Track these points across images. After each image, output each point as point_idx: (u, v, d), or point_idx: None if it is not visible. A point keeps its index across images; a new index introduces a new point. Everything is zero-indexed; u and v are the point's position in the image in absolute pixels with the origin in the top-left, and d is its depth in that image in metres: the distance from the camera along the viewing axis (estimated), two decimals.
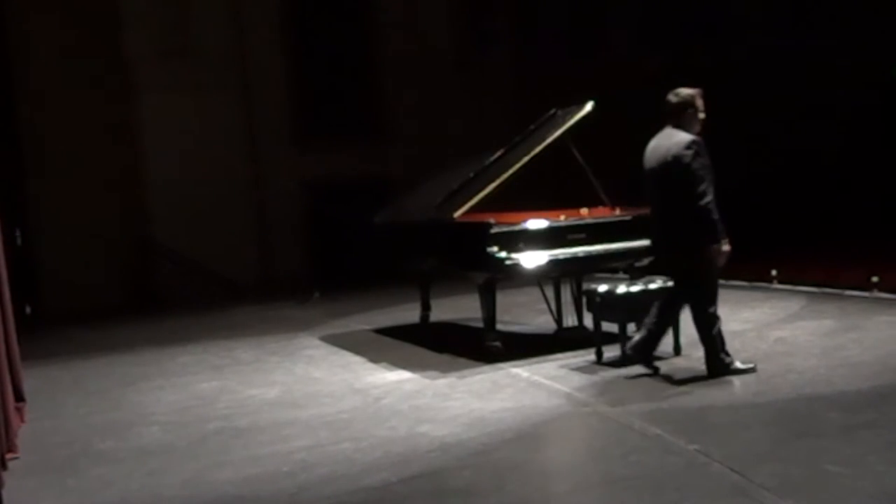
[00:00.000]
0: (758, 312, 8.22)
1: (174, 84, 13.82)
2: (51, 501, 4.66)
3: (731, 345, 6.83)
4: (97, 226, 13.56)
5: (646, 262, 7.46)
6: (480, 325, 7.28)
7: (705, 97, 5.87)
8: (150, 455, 5.30)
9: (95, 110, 13.50)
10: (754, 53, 12.42)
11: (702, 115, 5.80)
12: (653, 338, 6.02)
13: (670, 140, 5.69)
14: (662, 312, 6.01)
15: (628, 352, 6.14)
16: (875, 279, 8.54)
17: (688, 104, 5.76)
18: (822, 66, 11.71)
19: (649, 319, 6.03)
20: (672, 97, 5.79)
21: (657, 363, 6.13)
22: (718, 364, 5.80)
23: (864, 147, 11.98)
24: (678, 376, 5.97)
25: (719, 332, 5.82)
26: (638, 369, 6.31)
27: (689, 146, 5.57)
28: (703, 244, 5.63)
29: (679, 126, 5.74)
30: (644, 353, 6.03)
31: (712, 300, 5.80)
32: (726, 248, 5.65)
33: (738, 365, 5.84)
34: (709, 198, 5.52)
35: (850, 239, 10.88)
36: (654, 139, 5.87)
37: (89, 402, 7.01)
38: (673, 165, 5.60)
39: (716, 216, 5.55)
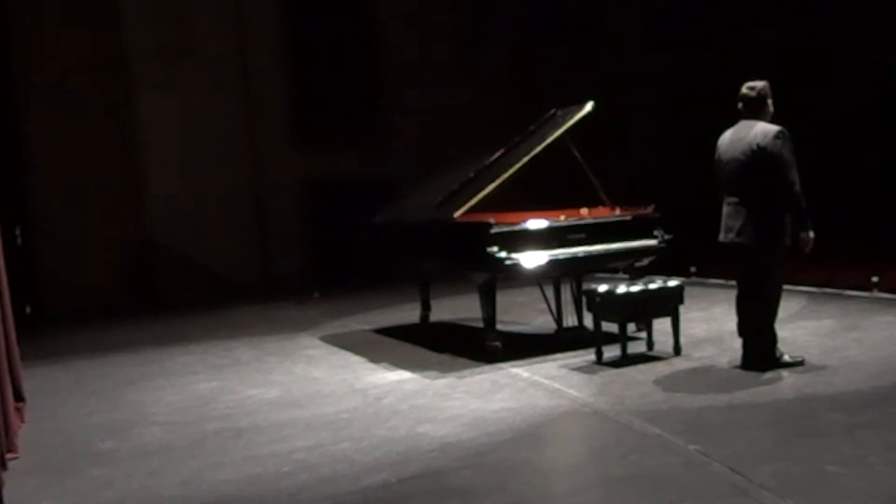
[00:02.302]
0: None
1: (174, 84, 13.81)
2: (51, 501, 4.65)
3: (731, 345, 6.86)
4: (97, 226, 13.55)
5: (646, 262, 7.48)
6: (480, 325, 7.28)
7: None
8: (150, 455, 5.30)
9: (95, 110, 13.49)
10: (755, 53, 12.42)
11: (772, 108, 5.95)
12: (762, 342, 6.00)
13: (754, 130, 5.79)
14: (744, 315, 6.05)
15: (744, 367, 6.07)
16: (875, 279, 8.55)
17: (765, 95, 5.91)
18: (822, 66, 11.71)
19: (745, 333, 6.07)
20: (749, 91, 5.92)
21: (658, 370, 6.10)
22: (770, 357, 5.91)
23: (864, 147, 11.98)
24: (678, 376, 5.97)
25: (773, 327, 5.96)
26: (638, 370, 6.32)
27: (777, 136, 5.69)
28: (784, 234, 5.74)
29: (757, 117, 5.87)
30: (765, 360, 5.99)
31: (779, 293, 5.95)
32: (812, 235, 5.77)
33: (787, 358, 5.97)
34: (798, 186, 5.65)
35: (850, 239, 10.88)
36: (729, 131, 5.99)
37: (89, 402, 7.01)
38: (762, 155, 5.69)
39: (804, 204, 5.68)
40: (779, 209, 5.74)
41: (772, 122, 5.87)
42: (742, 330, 6.12)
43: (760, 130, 5.77)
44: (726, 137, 6.00)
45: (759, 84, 5.95)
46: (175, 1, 14.08)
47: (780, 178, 5.66)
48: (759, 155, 5.72)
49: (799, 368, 5.93)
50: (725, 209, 6.00)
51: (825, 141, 12.14)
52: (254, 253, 14.55)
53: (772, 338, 5.98)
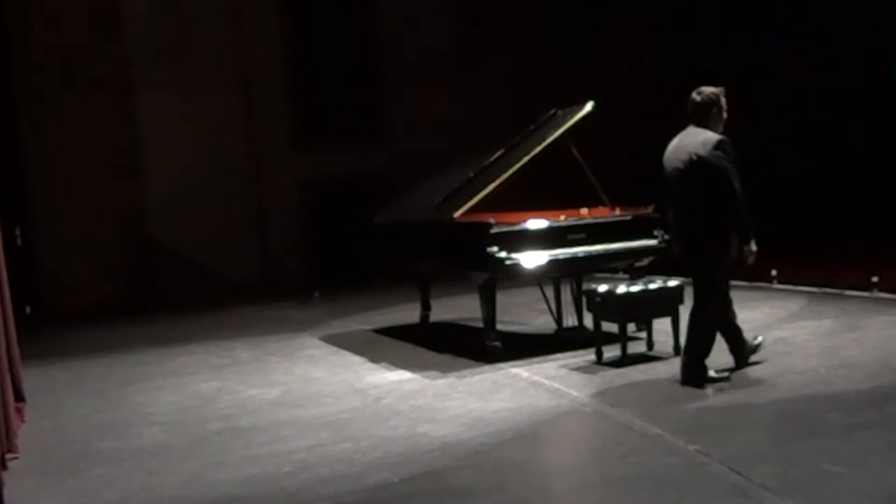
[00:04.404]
0: (758, 312, 8.21)
1: (174, 84, 13.80)
2: (51, 501, 4.66)
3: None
4: (97, 226, 13.54)
5: (646, 262, 7.48)
6: (480, 325, 7.28)
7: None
8: (150, 455, 5.30)
9: (95, 110, 13.48)
10: (756, 53, 12.42)
11: (725, 115, 5.73)
12: (735, 345, 5.97)
13: (695, 139, 5.59)
14: (723, 330, 5.94)
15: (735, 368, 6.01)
16: (875, 279, 8.55)
17: (713, 103, 5.68)
18: (822, 66, 11.70)
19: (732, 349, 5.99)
20: (696, 96, 5.70)
21: (657, 370, 6.10)
22: (696, 372, 5.68)
23: (864, 147, 11.98)
24: (678, 376, 5.96)
25: (712, 341, 5.74)
26: (638, 370, 6.32)
27: (717, 146, 5.47)
28: (726, 246, 5.57)
29: (703, 125, 5.66)
30: (742, 356, 5.98)
31: (718, 306, 5.74)
32: (755, 248, 5.57)
33: (713, 374, 5.72)
34: (742, 199, 5.44)
35: (850, 239, 10.88)
36: (675, 138, 5.76)
37: (89, 402, 7.01)
38: (700, 165, 5.50)
39: (748, 216, 5.48)
40: (720, 221, 5.50)
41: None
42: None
43: (701, 140, 5.53)
44: (671, 145, 5.76)
45: (708, 90, 5.69)
46: (175, 1, 14.07)
47: (719, 190, 5.43)
48: (697, 165, 5.49)
49: (799, 368, 5.93)
50: (670, 218, 5.88)
51: (825, 141, 12.14)
52: (254, 253, 14.54)
53: (702, 351, 5.71)
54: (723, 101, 5.73)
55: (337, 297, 12.13)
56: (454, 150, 10.03)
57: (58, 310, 12.64)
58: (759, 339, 6.21)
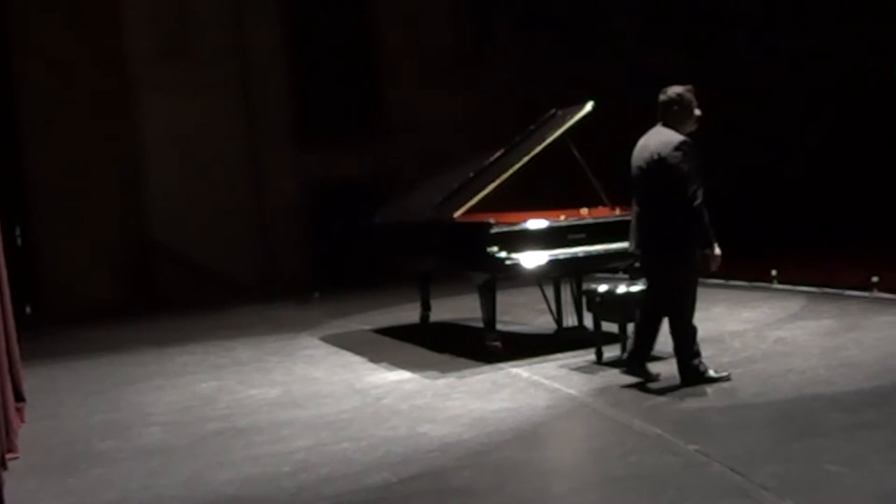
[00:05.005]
0: (758, 312, 8.21)
1: (174, 84, 13.80)
2: (51, 501, 4.66)
3: (731, 345, 6.86)
4: (97, 226, 13.55)
5: None
6: (480, 325, 7.28)
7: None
8: (150, 455, 5.29)
9: (95, 110, 13.48)
10: (756, 53, 12.42)
11: (697, 112, 5.61)
12: (641, 352, 5.84)
13: (658, 139, 5.54)
14: (644, 326, 5.81)
15: (623, 370, 5.96)
16: (875, 279, 8.54)
17: (674, 101, 5.57)
18: (823, 66, 11.71)
19: (634, 339, 5.87)
20: (661, 94, 5.63)
21: (657, 370, 6.08)
22: (693, 372, 5.66)
23: (865, 147, 11.98)
24: (678, 377, 5.96)
25: (696, 342, 5.69)
26: None
27: (678, 147, 5.40)
28: (690, 249, 5.49)
29: (669, 125, 5.58)
30: (637, 367, 5.84)
31: (692, 309, 5.67)
32: (717, 252, 5.49)
33: (712, 373, 5.68)
34: (699, 201, 5.35)
35: (850, 239, 10.88)
36: (642, 138, 5.70)
37: (89, 402, 7.01)
38: (660, 166, 5.44)
39: (707, 220, 5.40)
40: (681, 223, 5.42)
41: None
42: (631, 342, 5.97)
43: (664, 140, 5.46)
44: (638, 144, 5.68)
45: (674, 89, 5.59)
46: (175, 1, 14.07)
47: (679, 192, 5.35)
48: (658, 165, 5.42)
49: (799, 368, 5.92)
50: (633, 218, 5.78)
51: (825, 141, 12.15)
52: (254, 253, 14.54)
53: (690, 354, 5.65)
54: (688, 98, 5.60)
55: (337, 297, 12.13)
56: (455, 149, 10.05)
57: (58, 310, 12.64)
58: (658, 373, 5.91)
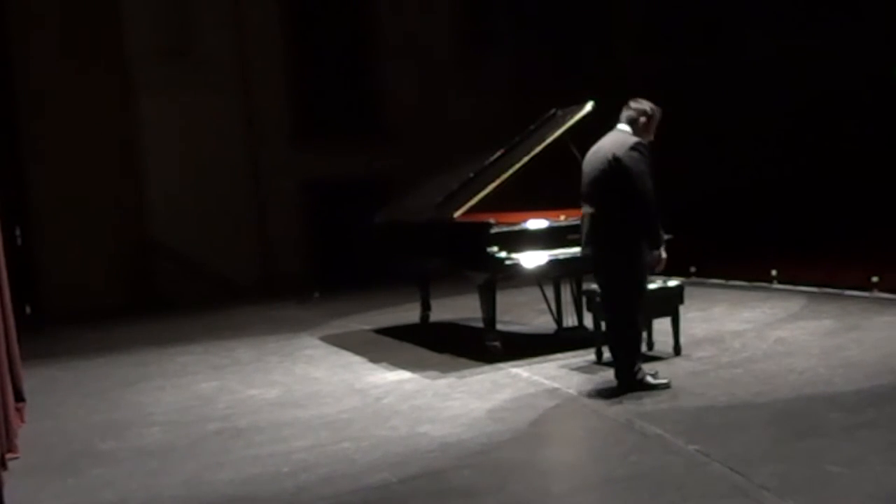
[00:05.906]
0: (758, 312, 8.22)
1: (174, 84, 13.80)
2: (51, 501, 4.66)
3: (731, 345, 6.87)
4: (98, 226, 13.54)
5: None
6: (480, 325, 7.28)
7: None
8: (150, 455, 5.30)
9: (95, 110, 13.48)
10: (756, 54, 12.43)
11: (651, 136, 5.68)
12: (619, 356, 5.84)
13: (613, 140, 5.61)
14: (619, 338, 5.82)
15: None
16: (875, 279, 8.55)
17: (646, 114, 5.66)
18: (823, 66, 11.71)
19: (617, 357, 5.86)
20: (632, 102, 5.71)
21: (656, 369, 6.07)
22: (631, 377, 5.66)
23: (865, 147, 11.99)
24: (678, 376, 5.96)
25: (639, 344, 5.73)
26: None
27: (633, 147, 5.46)
28: (643, 250, 5.52)
29: (627, 129, 5.66)
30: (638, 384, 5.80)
31: (639, 310, 5.72)
32: (664, 255, 5.56)
33: (650, 380, 5.68)
34: (651, 202, 5.41)
35: (850, 239, 10.88)
36: (599, 141, 5.76)
37: (89, 402, 7.01)
38: (615, 165, 5.48)
39: (657, 221, 5.47)
40: (634, 224, 5.47)
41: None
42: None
43: (619, 141, 5.54)
44: (594, 147, 5.76)
45: (646, 103, 5.68)
46: (175, 1, 14.07)
47: (631, 192, 5.40)
48: (613, 166, 5.46)
49: (799, 368, 5.92)
50: (585, 220, 5.80)
51: (825, 141, 12.15)
52: (254, 253, 14.54)
53: (631, 357, 5.69)
54: (657, 118, 5.69)
55: (337, 297, 12.14)
56: (454, 149, 10.03)
57: (58, 310, 12.63)
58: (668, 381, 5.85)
